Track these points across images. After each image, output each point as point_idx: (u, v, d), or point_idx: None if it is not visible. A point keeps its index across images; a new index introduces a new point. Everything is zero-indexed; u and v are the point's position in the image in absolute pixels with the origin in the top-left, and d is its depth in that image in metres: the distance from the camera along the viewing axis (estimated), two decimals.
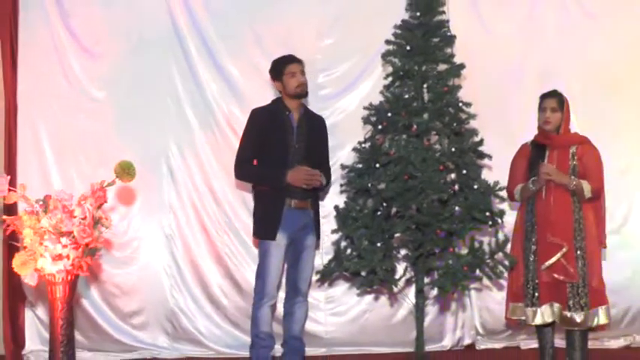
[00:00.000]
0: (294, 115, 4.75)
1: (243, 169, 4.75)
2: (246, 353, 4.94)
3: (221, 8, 5.56)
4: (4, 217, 3.53)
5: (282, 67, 4.73)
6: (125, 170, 3.50)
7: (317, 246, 5.01)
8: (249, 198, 5.16)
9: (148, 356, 5.43)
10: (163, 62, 5.54)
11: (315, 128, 4.88)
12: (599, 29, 5.71)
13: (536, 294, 4.59)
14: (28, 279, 3.35)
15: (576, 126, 5.25)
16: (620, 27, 5.72)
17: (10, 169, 5.32)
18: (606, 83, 5.68)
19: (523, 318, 4.69)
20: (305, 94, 4.80)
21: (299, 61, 4.77)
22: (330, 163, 5.15)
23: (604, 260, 4.80)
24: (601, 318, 4.51)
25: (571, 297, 4.49)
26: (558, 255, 4.49)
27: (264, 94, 5.10)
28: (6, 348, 5.37)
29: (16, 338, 5.41)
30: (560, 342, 4.92)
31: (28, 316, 5.46)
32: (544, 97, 4.75)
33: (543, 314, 4.58)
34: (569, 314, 4.49)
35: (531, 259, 4.63)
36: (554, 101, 4.70)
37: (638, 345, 5.61)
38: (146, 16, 5.53)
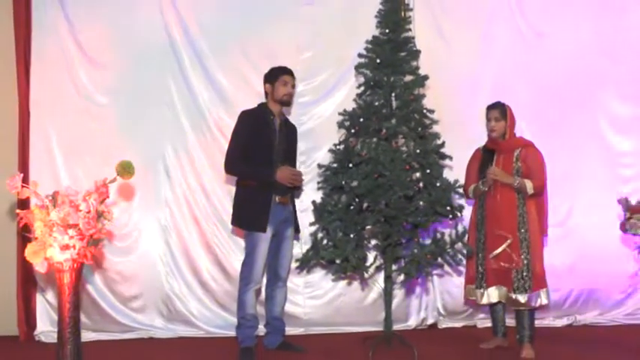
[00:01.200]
0: (277, 120, 4.79)
1: (235, 165, 4.72)
2: (233, 333, 4.95)
3: (212, 25, 5.56)
4: (18, 210, 3.52)
5: (279, 74, 4.78)
6: (125, 169, 3.48)
7: (295, 237, 5.06)
8: None
9: (146, 336, 5.41)
10: (160, 73, 5.54)
11: (291, 134, 4.94)
12: (545, 46, 5.79)
13: (484, 278, 4.69)
14: (39, 267, 3.32)
15: (526, 131, 5.31)
16: (563, 44, 5.80)
17: (24, 167, 5.33)
18: (551, 93, 5.76)
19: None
20: (288, 104, 4.89)
21: (294, 76, 4.83)
22: (308, 162, 5.26)
23: (548, 247, 4.87)
24: (542, 299, 4.58)
25: (516, 281, 4.57)
26: (504, 245, 4.58)
27: (250, 101, 5.08)
28: (20, 329, 5.39)
29: (29, 320, 5.42)
30: (511, 322, 4.97)
31: (39, 300, 5.44)
32: (488, 108, 4.84)
33: (490, 295, 4.70)
34: (514, 296, 4.57)
35: (481, 249, 4.74)
36: (496, 112, 4.77)
37: (579, 324, 5.68)
38: (145, 32, 5.53)
